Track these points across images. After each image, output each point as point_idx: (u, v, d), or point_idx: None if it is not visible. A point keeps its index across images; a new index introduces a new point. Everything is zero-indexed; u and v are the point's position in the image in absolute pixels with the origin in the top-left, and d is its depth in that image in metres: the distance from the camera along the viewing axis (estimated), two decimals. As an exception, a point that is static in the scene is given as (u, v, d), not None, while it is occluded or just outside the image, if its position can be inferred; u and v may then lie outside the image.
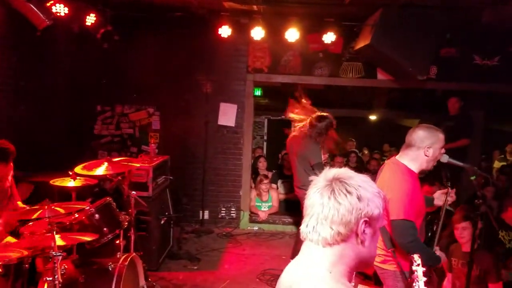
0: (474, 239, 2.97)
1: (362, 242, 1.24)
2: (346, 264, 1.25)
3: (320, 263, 1.23)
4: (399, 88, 7.15)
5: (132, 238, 3.95)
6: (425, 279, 2.15)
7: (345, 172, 1.27)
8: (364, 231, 1.22)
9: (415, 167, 2.80)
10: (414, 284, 2.12)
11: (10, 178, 3.75)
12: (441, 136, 2.78)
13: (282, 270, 4.57)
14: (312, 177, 1.32)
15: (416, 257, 2.24)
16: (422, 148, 2.75)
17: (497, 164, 8.77)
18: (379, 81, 6.64)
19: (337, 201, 1.20)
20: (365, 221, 1.22)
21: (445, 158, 2.86)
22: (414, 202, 2.68)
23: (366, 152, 9.97)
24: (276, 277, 4.88)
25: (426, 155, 2.76)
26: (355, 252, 1.24)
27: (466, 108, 6.65)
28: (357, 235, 1.22)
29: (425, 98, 8.59)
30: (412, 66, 5.54)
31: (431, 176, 5.28)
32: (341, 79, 6.61)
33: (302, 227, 1.27)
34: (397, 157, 2.89)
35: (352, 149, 9.20)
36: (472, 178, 2.93)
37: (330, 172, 1.28)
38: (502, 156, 9.20)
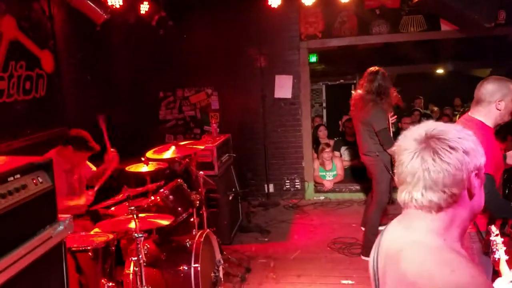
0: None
1: (473, 196, 1.16)
2: (459, 226, 1.18)
3: (432, 230, 1.15)
4: (467, 37, 6.63)
5: (205, 215, 4.15)
6: (505, 248, 2.06)
7: (435, 126, 1.16)
8: (474, 184, 1.15)
9: (489, 122, 2.64)
10: (495, 254, 2.04)
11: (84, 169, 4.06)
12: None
13: (353, 238, 4.59)
14: (397, 141, 1.21)
15: (493, 228, 2.15)
16: (493, 102, 2.58)
17: None
18: (443, 33, 6.20)
19: (444, 162, 1.09)
20: (476, 174, 1.14)
21: (522, 110, 2.66)
22: (493, 156, 2.54)
23: (435, 109, 9.45)
24: (347, 245, 4.96)
25: (498, 109, 2.58)
26: (467, 209, 1.17)
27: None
28: (468, 190, 1.14)
29: (496, 45, 7.91)
30: (477, 13, 5.11)
31: (502, 131, 4.94)
32: (402, 35, 6.26)
33: (403, 196, 1.17)
34: (470, 113, 2.74)
35: (420, 106, 8.81)
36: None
37: (418, 131, 1.17)
38: None
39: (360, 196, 6.40)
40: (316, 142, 7.07)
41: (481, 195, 1.19)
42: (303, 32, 6.38)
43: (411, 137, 1.16)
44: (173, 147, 3.93)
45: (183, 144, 4.02)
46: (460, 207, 1.15)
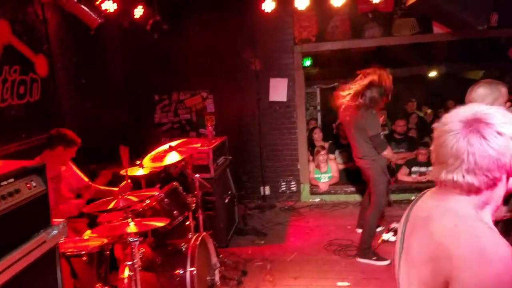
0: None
1: (510, 177, 1.17)
2: (493, 203, 1.21)
3: (467, 204, 1.18)
4: (459, 40, 6.68)
5: (201, 218, 4.15)
6: None
7: (482, 109, 1.16)
8: None
9: None
10: None
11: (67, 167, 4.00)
12: (503, 90, 2.61)
13: (348, 240, 4.58)
14: (444, 117, 1.20)
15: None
16: None
17: None
18: (435, 36, 6.24)
19: (491, 147, 1.10)
20: None
21: (513, 113, 2.68)
22: None
23: (429, 111, 9.51)
24: (343, 247, 4.97)
25: None
26: (504, 190, 1.19)
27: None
28: (508, 173, 1.16)
29: (489, 47, 7.98)
30: (471, 16, 5.15)
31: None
32: (394, 38, 6.30)
33: (442, 176, 1.18)
34: None
35: (412, 110, 8.85)
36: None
37: (464, 113, 1.16)
38: None
39: (355, 198, 6.42)
40: (311, 145, 7.11)
41: None
42: (297, 36, 6.41)
43: (456, 118, 1.17)
44: (171, 152, 3.88)
45: (178, 144, 3.99)
46: (498, 189, 1.17)
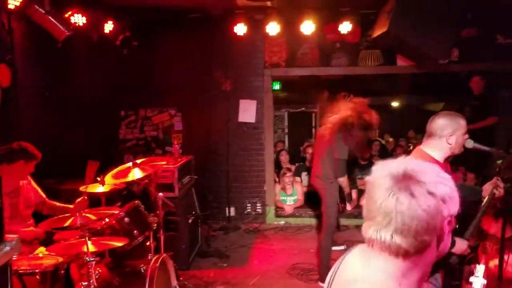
0: (504, 225, 2.91)
1: (442, 241, 1.10)
2: (422, 269, 1.12)
3: (390, 274, 1.08)
4: (421, 73, 7.00)
5: (162, 238, 4.01)
6: None
7: (414, 166, 1.07)
8: (445, 231, 1.09)
9: (439, 156, 2.75)
10: None
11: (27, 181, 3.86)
12: (462, 122, 2.72)
13: (311, 264, 4.58)
14: (372, 171, 1.13)
15: (479, 267, 2.16)
16: (444, 137, 2.70)
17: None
18: (398, 68, 6.54)
19: (420, 208, 1.01)
20: (448, 221, 1.08)
21: (470, 144, 2.79)
22: None
23: (390, 139, 9.82)
24: (306, 271, 4.96)
25: (448, 143, 2.70)
26: (433, 255, 1.11)
27: (493, 88, 6.47)
28: (438, 237, 1.08)
29: (449, 81, 8.38)
30: (433, 51, 5.42)
31: (454, 162, 5.16)
32: (360, 68, 6.54)
33: (370, 233, 1.08)
34: (421, 146, 2.86)
35: (375, 137, 9.10)
36: (499, 162, 2.86)
37: (395, 167, 1.08)
38: (533, 135, 8.89)
39: (320, 221, 6.46)
40: (277, 167, 7.15)
41: (448, 240, 1.14)
42: (267, 60, 6.53)
43: (387, 172, 1.08)
44: (134, 169, 3.79)
45: (142, 162, 3.90)
46: (427, 254, 1.08)
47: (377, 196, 1.06)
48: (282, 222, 6.65)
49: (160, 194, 4.03)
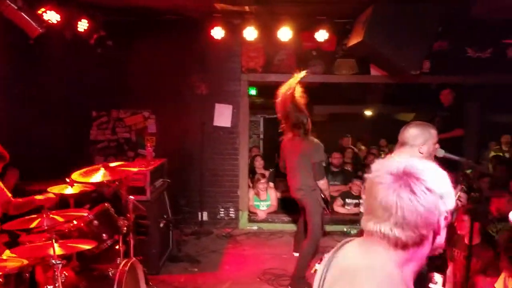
0: (472, 232, 2.99)
1: (438, 235, 1.16)
2: (417, 262, 1.18)
3: (392, 260, 1.14)
4: (394, 83, 7.16)
5: (132, 242, 3.94)
6: None
7: (413, 164, 1.13)
8: (442, 225, 1.15)
9: None
10: None
11: None
12: (433, 132, 2.79)
13: (283, 270, 4.55)
14: (375, 167, 1.17)
15: (437, 276, 2.22)
16: (415, 146, 2.77)
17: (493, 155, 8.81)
18: (372, 77, 6.66)
19: (420, 204, 1.08)
20: (445, 217, 1.13)
21: (440, 153, 2.87)
22: None
23: (363, 147, 9.98)
24: (277, 276, 4.95)
25: (420, 153, 2.77)
26: (429, 248, 1.17)
27: (461, 100, 6.69)
28: (435, 232, 1.14)
29: (420, 92, 8.62)
30: (405, 62, 5.56)
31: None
32: (335, 76, 6.62)
33: (370, 226, 1.14)
34: (393, 155, 2.91)
35: (348, 144, 9.23)
36: (468, 171, 2.95)
37: (395, 165, 1.14)
38: (498, 147, 9.23)
39: (292, 227, 6.48)
40: (252, 172, 7.14)
41: (444, 234, 1.19)
42: (244, 65, 6.54)
43: (387, 170, 1.14)
44: (102, 170, 3.72)
45: (114, 166, 3.82)
46: (423, 247, 1.15)
47: (377, 192, 1.12)
48: (255, 227, 6.63)
49: (131, 197, 3.96)
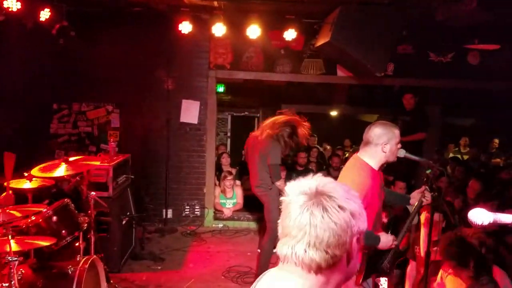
0: (431, 230, 3.09)
1: (351, 260, 1.16)
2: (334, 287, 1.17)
3: None
4: (359, 84, 7.32)
5: (92, 240, 3.87)
6: None
7: (325, 182, 1.15)
8: (355, 248, 1.15)
9: (374, 163, 2.88)
10: None
11: None
12: (396, 132, 2.88)
13: (248, 267, 4.56)
14: (285, 191, 1.18)
15: (383, 280, 2.29)
16: (379, 145, 2.84)
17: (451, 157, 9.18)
18: (338, 78, 6.77)
19: (332, 221, 1.07)
20: (357, 238, 1.14)
21: (401, 153, 2.95)
22: (368, 197, 2.73)
23: (328, 147, 10.15)
24: (242, 274, 4.95)
25: (383, 151, 2.84)
26: (343, 272, 1.16)
27: (422, 103, 6.90)
28: (348, 254, 1.14)
29: (384, 94, 8.86)
30: (370, 63, 5.69)
31: (386, 170, 5.45)
32: (302, 76, 6.69)
33: (285, 250, 1.12)
34: (358, 154, 2.97)
35: (313, 144, 9.36)
36: (428, 171, 3.04)
37: (308, 184, 1.14)
38: (456, 149, 9.64)
39: (257, 225, 6.50)
40: (218, 170, 7.10)
41: (357, 259, 1.21)
42: (212, 62, 6.49)
43: (300, 190, 1.14)
44: (63, 165, 3.61)
45: (75, 160, 3.70)
46: (337, 271, 1.14)
47: (291, 212, 1.11)
48: (220, 225, 6.60)
49: (93, 193, 3.88)
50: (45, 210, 3.33)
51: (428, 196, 3.06)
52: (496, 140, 9.75)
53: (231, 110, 10.02)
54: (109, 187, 4.58)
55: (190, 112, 6.40)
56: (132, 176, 5.32)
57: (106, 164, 4.63)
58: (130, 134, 6.35)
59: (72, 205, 3.62)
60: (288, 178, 6.52)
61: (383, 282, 2.33)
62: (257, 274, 4.56)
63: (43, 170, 3.47)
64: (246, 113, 10.06)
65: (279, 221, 1.18)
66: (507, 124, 9.69)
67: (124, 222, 4.95)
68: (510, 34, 5.94)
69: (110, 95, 6.33)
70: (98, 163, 4.38)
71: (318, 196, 1.10)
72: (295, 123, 4.61)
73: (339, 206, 1.09)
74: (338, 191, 1.12)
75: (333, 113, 11.65)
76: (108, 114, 6.40)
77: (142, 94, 6.33)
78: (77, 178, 4.00)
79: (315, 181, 1.15)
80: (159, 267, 5.01)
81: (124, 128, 6.39)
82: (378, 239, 2.83)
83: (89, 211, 3.81)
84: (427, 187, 3.07)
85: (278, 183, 4.54)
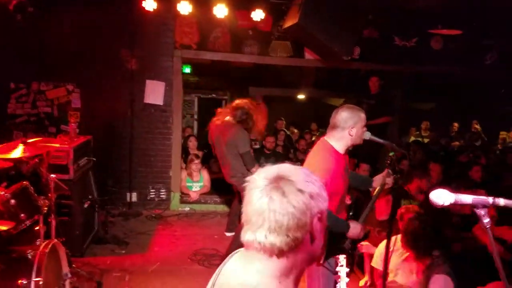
0: (394, 209, 3.18)
1: (314, 239, 1.16)
2: (297, 269, 1.17)
3: (269, 274, 1.13)
4: (326, 68, 7.36)
5: (53, 223, 3.73)
6: (347, 280, 2.26)
7: (286, 168, 1.16)
8: (317, 228, 1.15)
9: (340, 146, 2.92)
10: (337, 284, 2.23)
11: None
12: (362, 115, 2.92)
13: (214, 249, 4.55)
14: (248, 178, 1.19)
15: (341, 258, 2.34)
16: (346, 128, 2.87)
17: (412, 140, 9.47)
18: (306, 61, 6.77)
19: (291, 204, 1.08)
20: (318, 217, 1.14)
21: (367, 136, 3.00)
22: (333, 180, 2.77)
23: (295, 131, 10.22)
24: (208, 256, 4.93)
25: (350, 135, 2.88)
26: (307, 253, 1.16)
27: (386, 87, 7.03)
28: (310, 234, 1.14)
29: (350, 78, 8.96)
30: (337, 47, 5.71)
31: (356, 157, 5.57)
32: (270, 58, 6.64)
33: (246, 237, 1.13)
34: (325, 137, 2.99)
35: (281, 127, 9.40)
36: (391, 154, 3.11)
37: (269, 170, 1.15)
38: (418, 132, 9.94)
39: (224, 208, 6.50)
40: (185, 152, 7.00)
41: (321, 238, 1.19)
42: (178, 41, 6.31)
43: (263, 176, 1.15)
44: (21, 146, 3.44)
45: (34, 141, 3.54)
46: (300, 252, 1.14)
47: (253, 197, 1.12)
48: (187, 208, 6.54)
49: (53, 175, 3.73)
50: (2, 193, 3.18)
51: (390, 180, 3.14)
52: (456, 124, 10.12)
53: (198, 92, 9.86)
54: (69, 169, 4.43)
55: (155, 93, 6.23)
56: (94, 159, 5.15)
57: (66, 145, 4.47)
58: (92, 115, 6.13)
59: (31, 188, 3.46)
60: (257, 162, 6.55)
61: (342, 259, 2.39)
62: (224, 257, 4.56)
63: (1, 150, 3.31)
64: (213, 95, 9.93)
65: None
66: (467, 108, 10.09)
67: (86, 205, 4.83)
68: (472, 20, 6.12)
69: (71, 74, 6.06)
70: (58, 145, 4.22)
71: (277, 181, 1.11)
72: (252, 111, 4.57)
73: (297, 189, 1.10)
74: (297, 174, 1.13)
75: (301, 96, 11.71)
76: (68, 94, 6.14)
77: (104, 74, 6.10)
78: (36, 160, 3.84)
79: (277, 167, 1.17)
80: (123, 251, 4.92)
81: (85, 109, 6.15)
82: (347, 227, 2.89)
83: (49, 194, 3.67)
84: (389, 170, 3.14)
85: (253, 170, 4.48)
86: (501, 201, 1.34)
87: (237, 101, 4.63)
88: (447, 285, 2.93)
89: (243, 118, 4.51)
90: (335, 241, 2.86)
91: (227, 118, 4.55)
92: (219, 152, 4.66)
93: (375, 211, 4.31)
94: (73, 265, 3.89)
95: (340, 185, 2.91)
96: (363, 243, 3.99)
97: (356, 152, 5.11)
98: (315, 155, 2.93)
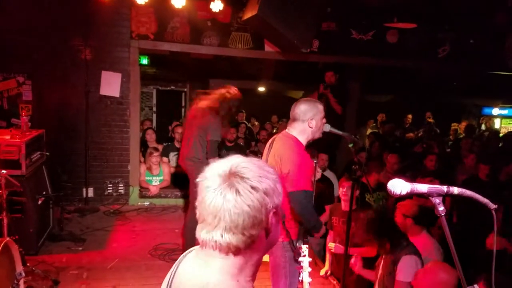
0: (352, 200, 3.26)
1: (270, 233, 1.15)
2: (254, 264, 1.17)
3: (227, 271, 1.12)
4: (285, 60, 7.40)
5: (5, 221, 3.59)
6: (310, 269, 2.30)
7: (239, 163, 1.12)
8: (272, 222, 1.14)
9: (302, 139, 2.97)
10: (299, 274, 2.27)
11: None
12: (320, 107, 2.99)
13: (175, 244, 4.49)
14: (206, 170, 1.16)
15: (304, 247, 2.38)
16: (306, 121, 2.93)
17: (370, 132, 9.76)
18: (265, 53, 6.77)
19: (245, 204, 1.06)
20: (274, 212, 1.13)
21: (327, 128, 3.05)
22: (308, 173, 2.85)
23: (256, 123, 10.25)
24: (170, 251, 4.87)
25: (310, 127, 2.94)
26: (263, 246, 1.16)
27: (344, 80, 7.17)
28: (266, 229, 1.13)
29: (309, 70, 9.07)
30: (297, 39, 5.75)
31: (314, 148, 5.65)
32: (230, 50, 6.59)
33: (202, 236, 1.11)
34: (287, 130, 3.02)
35: (242, 120, 9.39)
36: (350, 145, 3.18)
37: (223, 166, 1.12)
38: (374, 124, 10.24)
39: (185, 202, 6.43)
40: (144, 146, 6.84)
41: (277, 230, 1.19)
42: (134, 31, 6.13)
43: (216, 172, 1.12)
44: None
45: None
46: (256, 247, 1.13)
47: (206, 197, 1.10)
48: (146, 203, 6.42)
49: (3, 171, 3.59)
50: None
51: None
52: (410, 116, 10.52)
53: (156, 83, 9.65)
54: (21, 164, 4.25)
55: (110, 85, 6.03)
56: (47, 153, 4.94)
57: (17, 140, 4.29)
58: (44, 108, 5.86)
59: (-20, 185, 3.29)
60: (218, 153, 6.51)
61: (305, 249, 2.45)
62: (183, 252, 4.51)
63: None
64: (172, 87, 9.76)
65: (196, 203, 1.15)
66: (420, 100, 10.50)
67: (40, 201, 4.63)
68: (427, 14, 6.33)
69: (21, 65, 5.76)
70: (8, 137, 4.02)
71: (231, 178, 1.08)
72: (231, 97, 4.54)
73: (251, 187, 1.07)
74: (251, 170, 1.10)
75: (261, 88, 11.73)
76: (19, 85, 5.82)
77: (57, 65, 5.83)
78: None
79: (230, 161, 1.13)
80: (80, 248, 4.77)
81: (37, 101, 5.86)
82: (319, 227, 2.98)
83: (0, 191, 3.50)
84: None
85: (213, 160, 4.46)
86: (455, 190, 1.39)
87: (227, 94, 4.52)
88: (418, 265, 3.06)
89: (225, 111, 4.47)
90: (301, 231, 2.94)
91: (211, 105, 4.46)
92: (187, 132, 4.59)
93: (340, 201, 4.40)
94: (27, 264, 3.77)
95: (311, 176, 3.01)
96: (330, 245, 4.08)
97: (315, 142, 5.20)
98: (288, 151, 2.90)
